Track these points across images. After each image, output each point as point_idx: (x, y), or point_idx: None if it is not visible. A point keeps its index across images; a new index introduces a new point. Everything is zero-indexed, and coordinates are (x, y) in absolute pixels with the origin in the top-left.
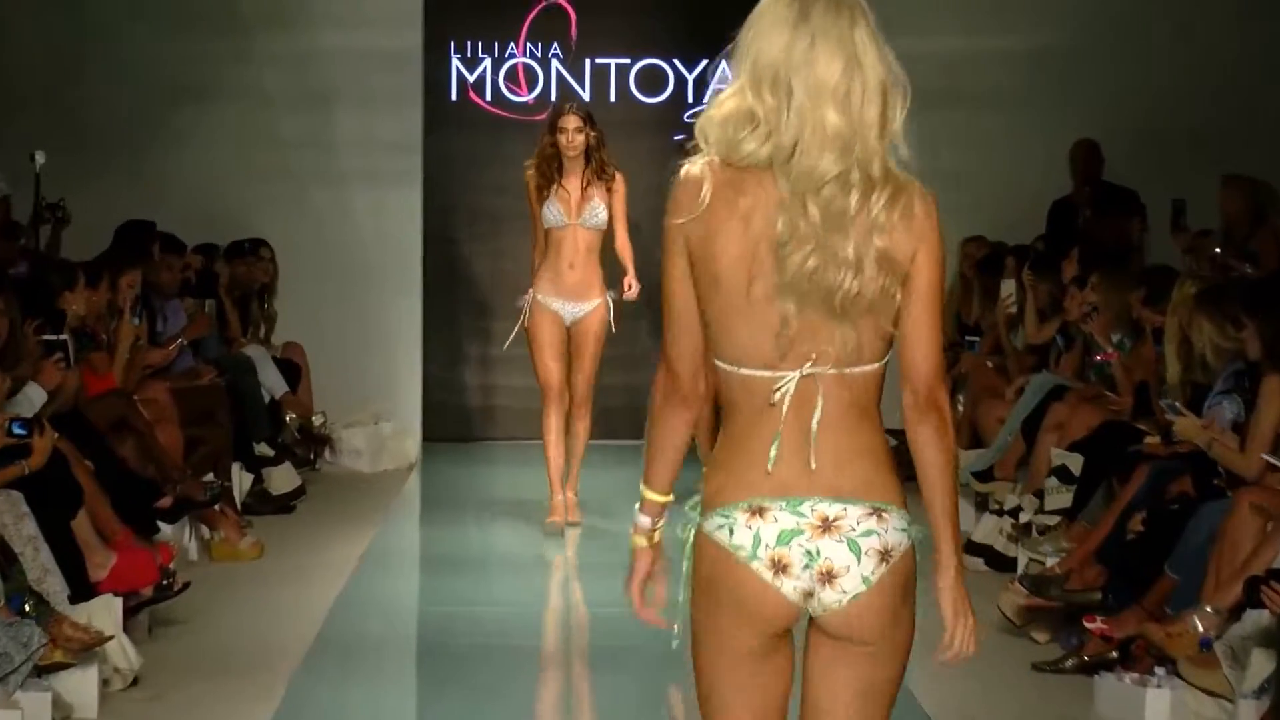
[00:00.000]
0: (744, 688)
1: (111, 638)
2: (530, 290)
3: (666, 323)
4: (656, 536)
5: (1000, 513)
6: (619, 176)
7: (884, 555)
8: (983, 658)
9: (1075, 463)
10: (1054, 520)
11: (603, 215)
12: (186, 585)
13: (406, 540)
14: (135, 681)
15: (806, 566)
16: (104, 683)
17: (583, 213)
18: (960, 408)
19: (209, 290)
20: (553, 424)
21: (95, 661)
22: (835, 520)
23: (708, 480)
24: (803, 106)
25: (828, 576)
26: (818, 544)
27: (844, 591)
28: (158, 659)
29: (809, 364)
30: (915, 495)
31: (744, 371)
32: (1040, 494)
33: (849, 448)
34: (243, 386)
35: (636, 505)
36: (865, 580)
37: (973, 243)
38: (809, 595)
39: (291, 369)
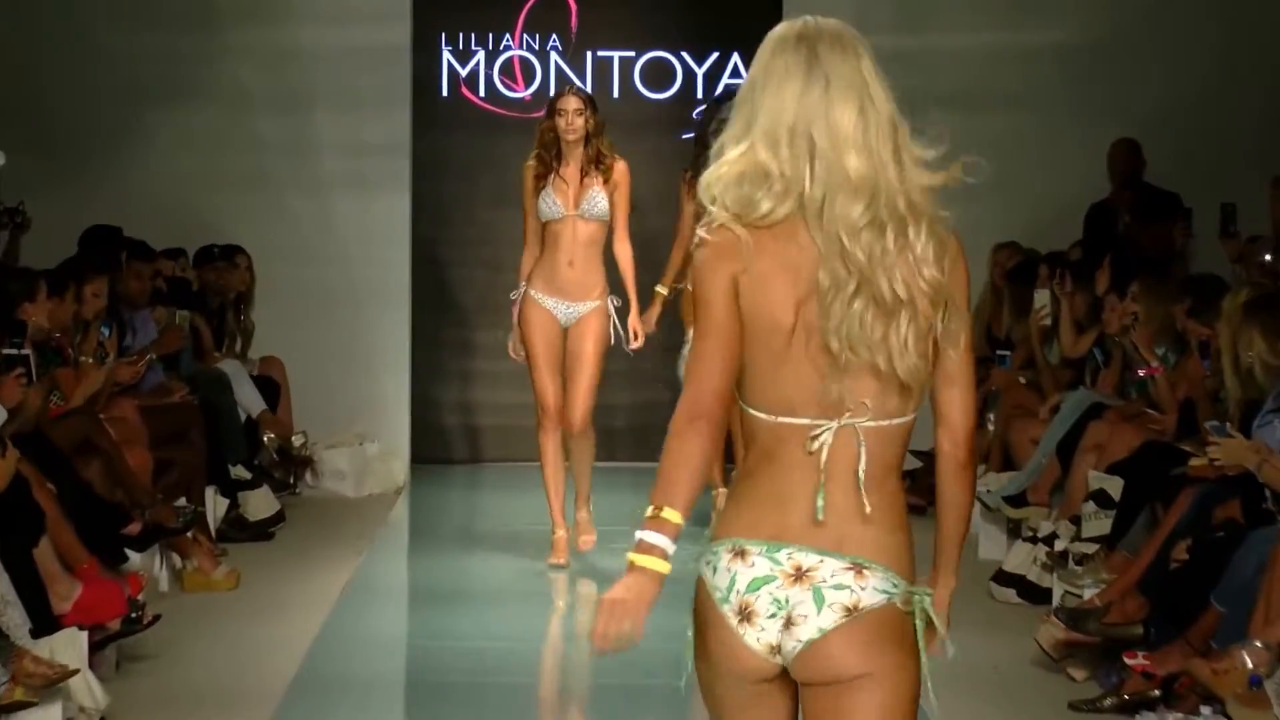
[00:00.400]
0: None
1: (76, 673)
2: (522, 285)
3: (699, 339)
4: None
5: (1034, 540)
6: (621, 165)
7: (850, 611)
8: (1017, 696)
9: (1115, 486)
10: (1092, 549)
11: (603, 205)
12: (157, 618)
13: (394, 570)
14: None
15: (772, 616)
16: None
17: (581, 203)
18: (990, 427)
19: (183, 299)
20: (550, 447)
21: (59, 699)
22: (809, 570)
23: (721, 513)
24: (826, 155)
25: (788, 624)
26: (787, 593)
27: (799, 640)
28: (126, 697)
29: (848, 414)
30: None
31: (779, 420)
32: (1077, 520)
33: (873, 505)
34: (217, 404)
35: (642, 526)
36: (820, 630)
37: (1004, 250)
38: (775, 650)
39: (270, 386)
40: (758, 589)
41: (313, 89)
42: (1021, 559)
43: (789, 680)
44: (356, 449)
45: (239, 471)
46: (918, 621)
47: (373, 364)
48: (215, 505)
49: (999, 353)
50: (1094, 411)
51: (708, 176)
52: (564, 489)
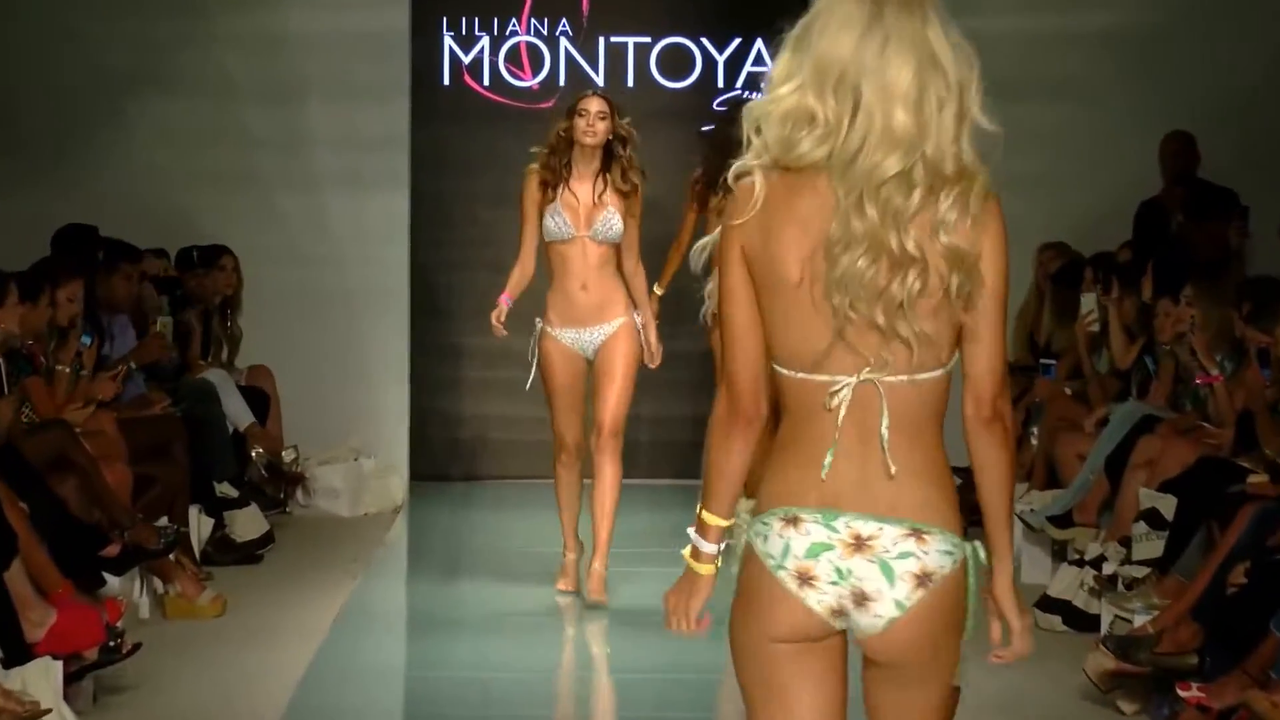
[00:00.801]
0: (783, 698)
1: (49, 712)
2: (538, 322)
3: (725, 339)
4: (719, 563)
5: (1081, 563)
6: (641, 186)
7: (921, 579)
8: None
9: (1167, 505)
10: (1143, 572)
11: (618, 228)
12: (137, 647)
13: (391, 596)
14: None
15: (834, 583)
16: None
17: (594, 223)
18: (1034, 442)
19: (173, 302)
20: (566, 475)
21: None
22: (868, 539)
23: (761, 485)
24: (870, 108)
25: (860, 598)
26: (849, 563)
27: (878, 616)
28: None
29: (867, 369)
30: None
31: (800, 376)
32: (1127, 542)
33: (904, 462)
34: (202, 417)
35: (692, 529)
36: (900, 605)
37: (1049, 250)
38: (838, 613)
39: (258, 397)
40: (816, 555)
41: (304, 78)
42: (1067, 583)
43: (840, 640)
44: (351, 465)
45: (225, 489)
46: (970, 578)
47: (369, 374)
48: (200, 525)
49: (1042, 361)
50: (1145, 425)
51: (756, 108)
52: (579, 507)
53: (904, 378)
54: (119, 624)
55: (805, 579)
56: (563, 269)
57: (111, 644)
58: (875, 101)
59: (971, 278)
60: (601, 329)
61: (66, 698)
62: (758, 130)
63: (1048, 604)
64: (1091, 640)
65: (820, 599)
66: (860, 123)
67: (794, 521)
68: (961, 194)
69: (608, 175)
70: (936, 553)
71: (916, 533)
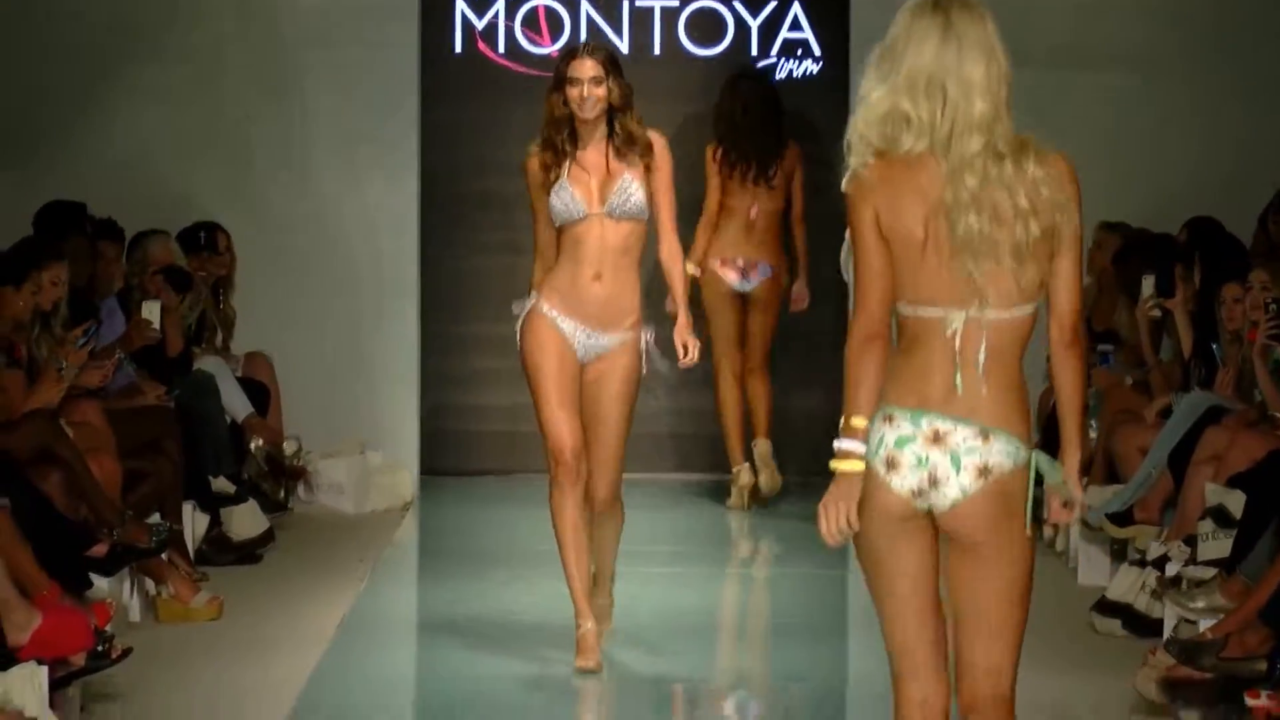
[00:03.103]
0: (886, 564)
1: (35, 719)
2: (532, 294)
3: (860, 280)
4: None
5: (1142, 564)
6: (659, 141)
7: (981, 471)
8: None
9: (1235, 502)
10: (1209, 573)
11: (638, 199)
12: (127, 652)
13: (400, 599)
14: None
15: (915, 468)
16: None
17: (609, 197)
18: (1092, 435)
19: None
20: (567, 509)
21: None
22: (944, 435)
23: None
24: (956, 100)
25: (933, 482)
26: (927, 453)
27: (945, 496)
28: None
29: (975, 305)
30: None
31: (921, 311)
32: (1192, 541)
33: (992, 380)
34: (197, 407)
35: (838, 437)
36: (963, 490)
37: (1109, 230)
38: (917, 494)
39: (257, 387)
40: (902, 446)
41: (304, 45)
42: (1128, 585)
43: (928, 520)
44: (357, 459)
45: (222, 484)
46: (1031, 477)
47: (375, 363)
48: (194, 523)
49: (1100, 349)
50: (1211, 416)
51: (857, 119)
52: (588, 567)
53: (1003, 312)
54: (108, 628)
55: (891, 465)
56: (575, 254)
57: (100, 649)
58: (959, 95)
59: (1069, 223)
60: (605, 337)
61: (52, 706)
62: (860, 136)
63: (1106, 607)
64: (1152, 646)
65: (902, 483)
66: (948, 113)
67: (890, 419)
68: (1038, 156)
69: (617, 141)
70: (998, 452)
71: (984, 434)
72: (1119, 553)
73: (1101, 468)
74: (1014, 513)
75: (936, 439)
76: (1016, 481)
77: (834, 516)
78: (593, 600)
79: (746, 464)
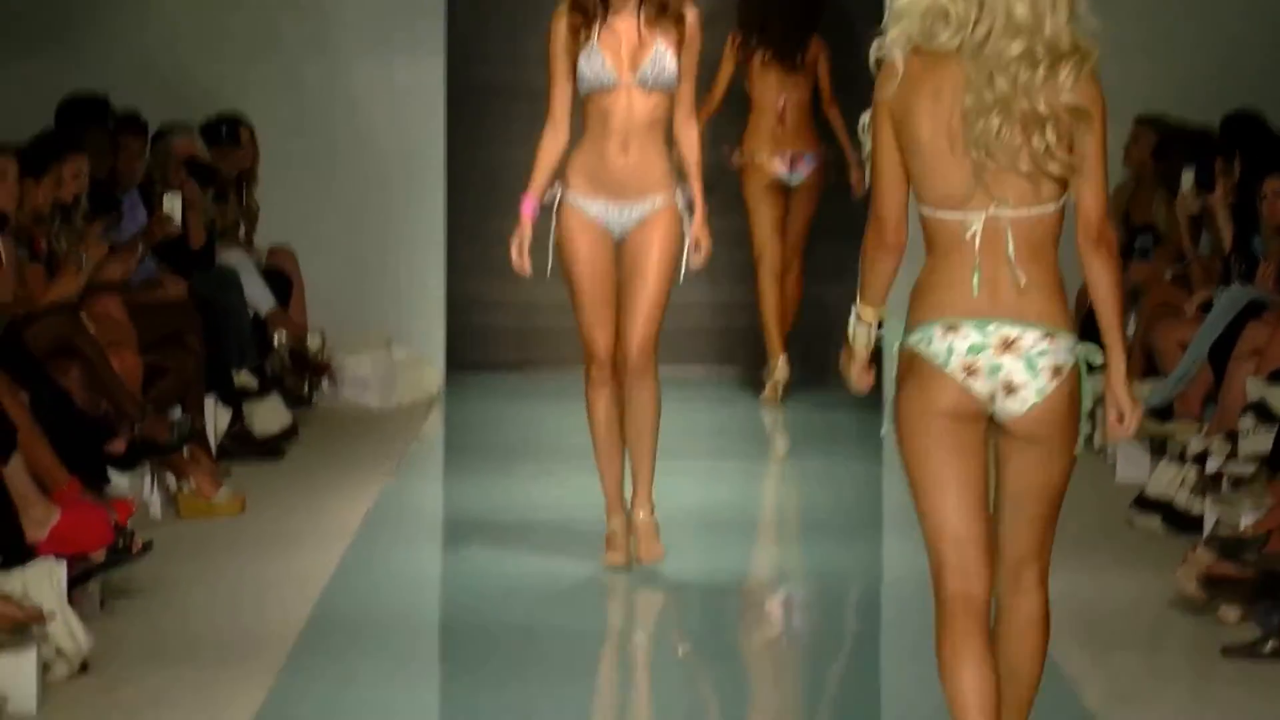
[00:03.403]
0: (946, 461)
1: (52, 616)
2: (558, 186)
3: (875, 183)
4: (875, 336)
5: (1182, 460)
6: (692, 14)
7: (1055, 371)
8: (1157, 642)
9: (1277, 396)
10: (1250, 469)
11: (671, 69)
12: (148, 547)
13: (426, 495)
14: (84, 667)
15: (990, 375)
16: (45, 668)
17: (640, 64)
18: (1131, 330)
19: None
20: (601, 406)
21: (33, 643)
22: (1015, 341)
23: (911, 306)
24: (994, 4)
25: (1009, 388)
26: (999, 360)
27: (1024, 401)
28: (111, 640)
29: (993, 206)
30: None
31: (941, 214)
32: (1233, 436)
33: (1029, 280)
34: (219, 300)
35: (853, 316)
36: (1040, 392)
37: (1148, 123)
38: (992, 398)
39: (280, 279)
40: (977, 353)
41: None
42: (1167, 481)
43: (985, 424)
44: (382, 353)
45: (244, 379)
46: (1083, 369)
47: (402, 255)
48: (216, 417)
49: (1138, 244)
50: (1252, 310)
51: (900, 5)
52: (621, 462)
53: (1025, 211)
54: (128, 524)
55: (970, 371)
56: (601, 125)
57: (120, 544)
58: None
59: (1091, 128)
60: (638, 207)
61: (71, 602)
62: (901, 22)
63: (1145, 503)
64: (1192, 543)
65: (980, 386)
66: (985, 15)
67: (953, 328)
68: (1077, 65)
69: (651, 7)
70: (1064, 350)
71: (1049, 335)
72: (1158, 449)
73: (1140, 362)
74: (1074, 406)
75: (1007, 345)
76: (1076, 375)
77: (847, 376)
78: (634, 518)
79: (783, 357)
